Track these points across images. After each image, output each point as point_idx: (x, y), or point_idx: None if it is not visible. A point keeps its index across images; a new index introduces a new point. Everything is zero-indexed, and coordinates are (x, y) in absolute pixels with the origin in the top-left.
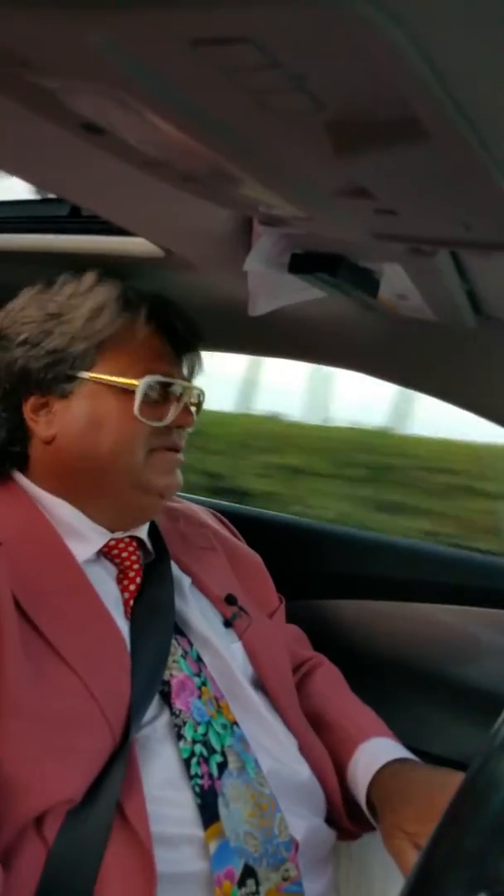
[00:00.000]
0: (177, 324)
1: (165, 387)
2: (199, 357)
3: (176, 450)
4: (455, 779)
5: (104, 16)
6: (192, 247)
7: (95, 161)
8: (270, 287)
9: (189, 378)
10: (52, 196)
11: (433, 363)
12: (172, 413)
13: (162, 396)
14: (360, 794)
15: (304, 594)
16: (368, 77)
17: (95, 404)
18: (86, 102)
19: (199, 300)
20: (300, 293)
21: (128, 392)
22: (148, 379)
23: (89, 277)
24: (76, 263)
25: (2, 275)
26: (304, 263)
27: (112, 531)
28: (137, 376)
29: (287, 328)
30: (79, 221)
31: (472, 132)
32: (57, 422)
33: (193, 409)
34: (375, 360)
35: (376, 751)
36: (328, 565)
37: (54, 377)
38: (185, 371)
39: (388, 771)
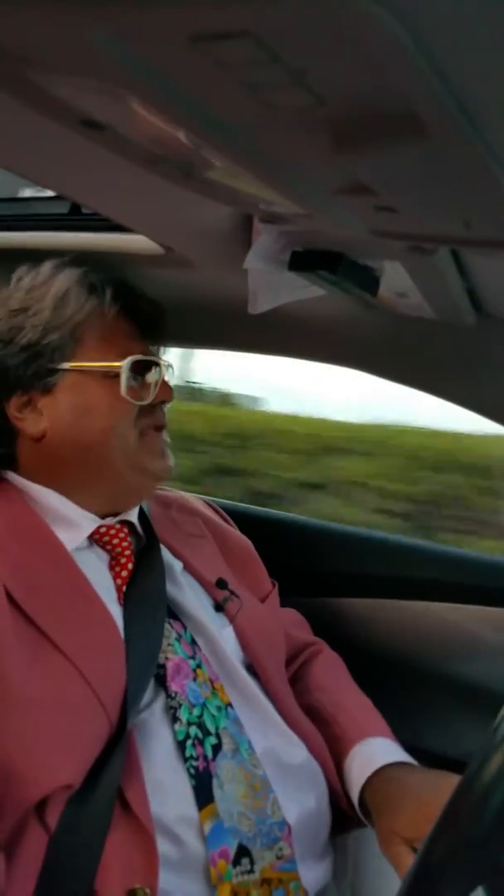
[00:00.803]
0: (140, 303)
1: (145, 365)
2: (164, 334)
3: (162, 427)
4: (448, 781)
5: (103, 12)
6: (192, 244)
7: (95, 158)
8: (270, 285)
9: (160, 354)
10: (51, 193)
11: (433, 361)
12: (154, 390)
13: (142, 375)
14: (354, 795)
15: (302, 592)
16: (369, 73)
17: (82, 393)
18: (85, 99)
19: (199, 298)
20: (300, 291)
21: (112, 376)
22: (130, 359)
23: (46, 267)
24: (76, 261)
25: (2, 273)
26: (304, 261)
27: (102, 517)
28: (118, 358)
29: (287, 326)
30: (79, 219)
31: (472, 129)
32: (45, 417)
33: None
34: (375, 358)
35: (371, 753)
36: (327, 563)
37: (35, 373)
38: (156, 348)
39: (382, 775)
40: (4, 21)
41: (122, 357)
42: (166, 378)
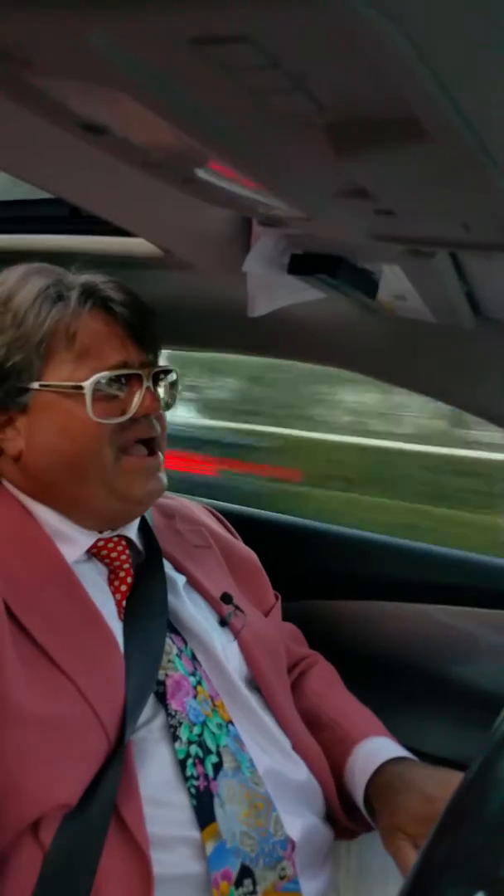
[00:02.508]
0: (121, 306)
1: (121, 378)
2: (153, 333)
3: (148, 441)
4: (453, 778)
5: (104, 15)
6: (192, 247)
7: (95, 161)
8: (269, 288)
9: (149, 356)
10: (51, 196)
11: (432, 364)
12: (136, 402)
13: (119, 388)
14: (358, 795)
15: (302, 594)
16: (368, 77)
17: (51, 413)
18: (85, 102)
19: (198, 301)
20: (299, 294)
21: (75, 395)
22: (95, 377)
23: (12, 277)
24: (75, 264)
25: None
26: (303, 264)
27: (99, 532)
28: (94, 369)
29: (286, 329)
30: (78, 222)
31: (470, 133)
32: (21, 437)
33: (163, 389)
34: (374, 361)
35: (374, 751)
36: (327, 565)
37: (6, 393)
38: (141, 351)
39: (385, 771)
40: (5, 23)
41: (98, 367)
42: (149, 386)
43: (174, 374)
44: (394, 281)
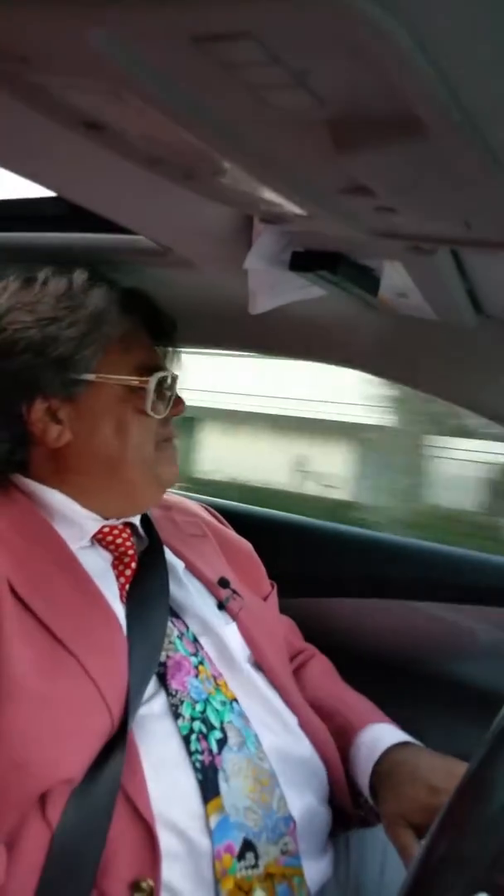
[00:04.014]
0: (158, 315)
1: (164, 380)
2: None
3: (174, 438)
4: (457, 768)
5: (104, 12)
6: (192, 245)
7: (95, 159)
8: (271, 285)
9: (171, 360)
10: (51, 193)
11: (433, 362)
12: (169, 403)
13: (168, 388)
14: (363, 781)
15: (302, 592)
16: (369, 74)
17: (106, 405)
18: (86, 99)
19: (199, 298)
20: (300, 291)
21: (136, 389)
22: (157, 375)
23: (80, 278)
24: (76, 261)
25: (1, 273)
26: (304, 261)
27: (105, 518)
28: (137, 370)
29: (287, 326)
30: (78, 219)
31: (472, 130)
32: (67, 426)
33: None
34: (375, 359)
35: (377, 737)
36: (326, 563)
37: (61, 382)
38: (163, 358)
39: (390, 758)
40: (5, 21)
41: (139, 368)
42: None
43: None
44: (395, 278)
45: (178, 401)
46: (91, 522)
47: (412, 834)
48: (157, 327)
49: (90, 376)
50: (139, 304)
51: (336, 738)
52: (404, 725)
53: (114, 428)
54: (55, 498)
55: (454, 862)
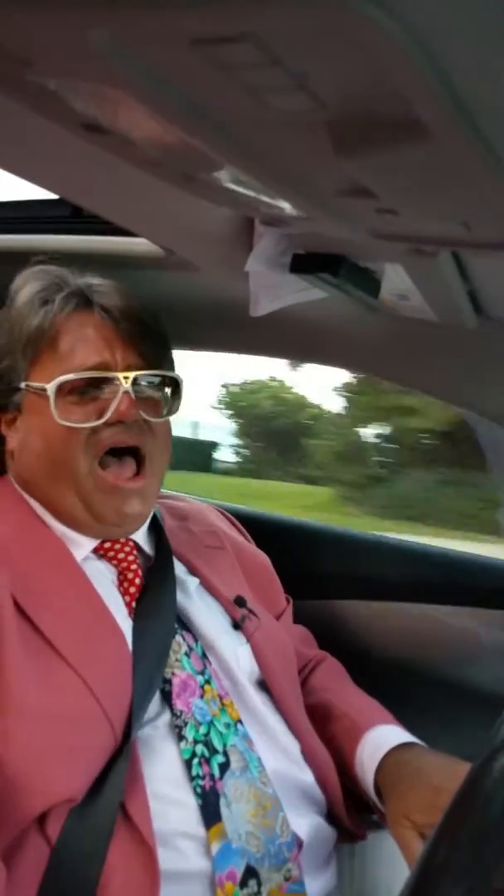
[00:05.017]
0: (105, 306)
1: (96, 381)
2: (153, 337)
3: (133, 451)
4: (461, 768)
5: (105, 14)
6: (194, 247)
7: (96, 161)
8: (272, 287)
9: (142, 360)
10: (53, 196)
11: (434, 363)
12: (113, 406)
13: (96, 390)
14: (368, 781)
15: (308, 594)
16: (370, 75)
17: (33, 414)
18: (87, 102)
19: (201, 300)
20: (301, 293)
21: (48, 395)
22: (59, 379)
23: (16, 284)
24: (77, 264)
25: (3, 276)
26: (305, 263)
27: (94, 538)
28: (55, 377)
29: (288, 328)
30: (80, 222)
31: (473, 131)
32: (17, 435)
33: (157, 395)
34: (376, 361)
35: (382, 738)
36: (332, 566)
37: (2, 393)
38: (131, 355)
39: (395, 757)
40: (6, 22)
41: (69, 369)
42: (127, 390)
43: (176, 379)
44: (396, 280)
45: (126, 404)
46: (87, 540)
47: (416, 834)
48: (113, 320)
49: (21, 384)
50: (74, 298)
51: (343, 740)
52: (411, 727)
53: (37, 438)
54: (47, 515)
55: (453, 869)
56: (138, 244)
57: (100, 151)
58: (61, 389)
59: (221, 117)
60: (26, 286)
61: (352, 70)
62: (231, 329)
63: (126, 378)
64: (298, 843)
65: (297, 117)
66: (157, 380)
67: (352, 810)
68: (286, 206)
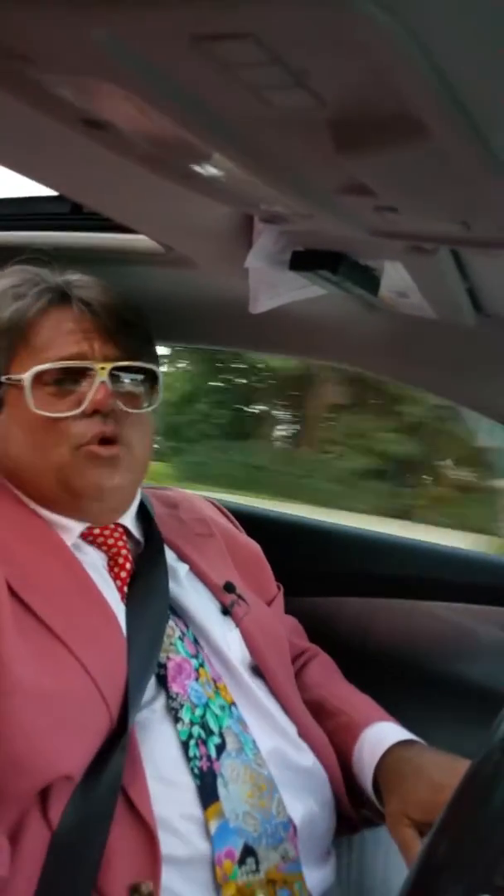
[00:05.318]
0: (83, 299)
1: (73, 372)
2: (133, 329)
3: (109, 440)
4: (461, 766)
5: (106, 12)
6: (193, 244)
7: (96, 158)
8: (271, 284)
9: (122, 352)
10: (53, 193)
11: (433, 361)
12: (90, 397)
13: (73, 382)
14: (367, 779)
15: (305, 591)
16: (369, 74)
17: (14, 406)
18: (87, 98)
19: (200, 297)
20: (301, 291)
21: (23, 387)
22: (34, 370)
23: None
24: (77, 260)
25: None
26: (305, 261)
27: (79, 522)
28: (31, 368)
29: (288, 326)
30: (80, 218)
31: (472, 129)
32: (0, 429)
33: (137, 389)
34: (376, 358)
35: (381, 735)
36: (330, 562)
37: None
38: (110, 346)
39: (393, 756)
40: (6, 20)
41: (45, 360)
42: (104, 381)
43: (154, 371)
44: (395, 277)
45: (102, 394)
46: (75, 525)
47: (415, 831)
48: (93, 313)
49: (1, 378)
50: (49, 292)
51: (340, 736)
52: (408, 724)
53: (17, 430)
54: (33, 504)
55: (453, 864)
56: (137, 241)
57: (99, 148)
58: (39, 381)
59: (221, 115)
60: (0, 282)
61: (352, 69)
62: (230, 326)
63: (103, 369)
64: (294, 826)
65: (297, 115)
66: (140, 376)
67: (352, 797)
68: (285, 204)
